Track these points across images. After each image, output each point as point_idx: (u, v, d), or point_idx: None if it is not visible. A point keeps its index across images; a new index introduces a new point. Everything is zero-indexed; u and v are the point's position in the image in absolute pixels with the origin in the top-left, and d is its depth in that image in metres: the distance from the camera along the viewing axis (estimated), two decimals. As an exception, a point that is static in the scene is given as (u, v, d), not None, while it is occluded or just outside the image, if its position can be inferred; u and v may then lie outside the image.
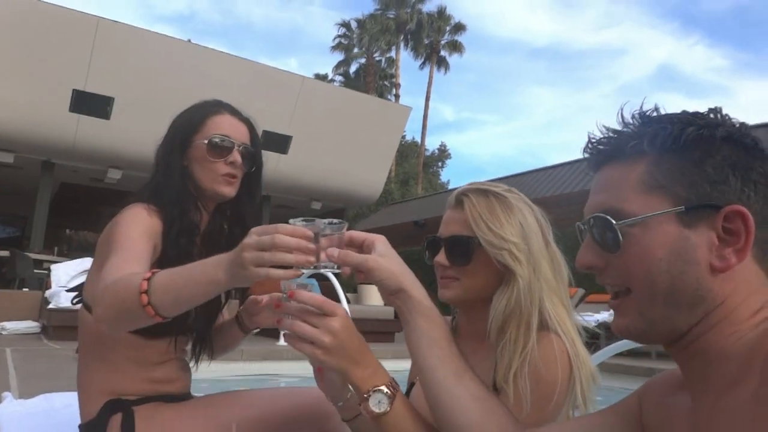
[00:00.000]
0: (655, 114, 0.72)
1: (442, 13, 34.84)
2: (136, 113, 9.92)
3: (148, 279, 1.01)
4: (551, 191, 14.37)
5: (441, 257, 1.13)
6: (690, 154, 0.67)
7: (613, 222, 0.68)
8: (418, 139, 37.44)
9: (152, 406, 1.35)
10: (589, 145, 0.75)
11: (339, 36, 35.78)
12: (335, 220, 1.00)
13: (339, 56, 36.39)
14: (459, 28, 34.97)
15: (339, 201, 13.77)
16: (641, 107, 0.72)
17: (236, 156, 1.42)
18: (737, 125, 0.69)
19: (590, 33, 68.25)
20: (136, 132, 9.14)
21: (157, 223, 1.33)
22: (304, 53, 78.28)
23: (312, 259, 0.93)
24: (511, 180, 15.93)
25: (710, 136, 0.67)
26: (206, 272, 0.98)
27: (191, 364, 1.53)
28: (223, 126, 1.43)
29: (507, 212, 1.11)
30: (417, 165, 36.19)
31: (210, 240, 1.46)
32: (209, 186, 1.41)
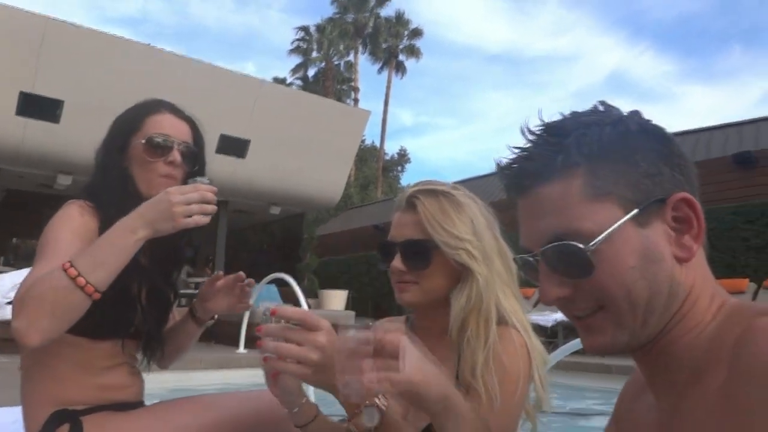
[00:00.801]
0: (556, 122, 0.68)
1: (400, 18, 35.04)
2: (88, 117, 9.60)
3: (72, 265, 1.08)
4: (506, 195, 14.57)
5: (398, 263, 1.12)
6: (619, 154, 0.65)
7: (582, 247, 0.62)
8: (377, 144, 37.53)
9: (102, 415, 1.29)
10: (507, 171, 0.70)
11: (297, 39, 35.56)
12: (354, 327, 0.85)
13: (297, 60, 36.15)
14: (417, 33, 35.25)
15: (298, 206, 13.66)
16: (542, 121, 0.69)
17: (176, 155, 1.39)
18: (637, 114, 0.68)
19: (544, 40, 69.91)
20: (88, 136, 8.71)
21: (91, 222, 1.30)
22: (261, 57, 77.50)
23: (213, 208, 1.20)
24: (468, 183, 16.07)
25: (627, 131, 0.66)
26: (125, 237, 1.14)
27: (144, 371, 1.48)
28: (163, 125, 1.41)
29: (457, 210, 1.12)
30: (377, 169, 36.23)
31: (154, 242, 1.42)
32: (148, 186, 1.38)
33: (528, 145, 0.69)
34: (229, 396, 1.46)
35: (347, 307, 10.08)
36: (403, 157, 42.83)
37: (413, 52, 35.15)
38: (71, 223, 1.27)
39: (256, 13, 73.40)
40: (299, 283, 5.51)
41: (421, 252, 1.11)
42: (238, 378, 5.48)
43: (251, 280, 1.51)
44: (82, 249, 1.19)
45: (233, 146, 11.12)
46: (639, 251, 0.63)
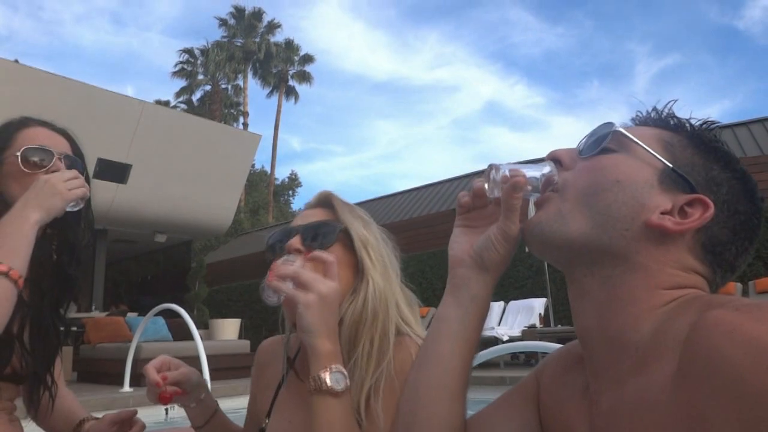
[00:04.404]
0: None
1: (290, 44, 35.05)
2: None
3: None
4: (395, 217, 14.98)
5: (296, 241, 1.03)
6: (694, 140, 0.70)
7: (616, 124, 0.71)
8: (267, 169, 37.00)
9: None
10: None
11: (181, 62, 34.37)
12: None
13: (181, 83, 34.93)
14: (307, 59, 35.40)
15: (186, 233, 13.05)
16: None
17: (58, 164, 1.27)
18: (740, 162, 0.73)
19: (426, 71, 73.19)
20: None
21: None
22: (141, 80, 73.80)
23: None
24: (361, 206, 16.29)
25: (710, 138, 0.71)
26: (21, 224, 1.10)
27: (24, 420, 1.33)
28: (38, 137, 1.29)
29: (368, 221, 1.10)
30: (267, 194, 35.63)
31: (37, 274, 1.29)
32: None
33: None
34: None
35: (240, 336, 9.72)
36: (294, 182, 42.52)
37: (305, 77, 35.21)
38: None
39: (135, 36, 70.11)
40: (189, 314, 5.24)
41: (326, 233, 1.04)
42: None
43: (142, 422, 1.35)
44: None
45: (112, 171, 10.43)
46: (634, 183, 0.67)
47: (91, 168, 1.42)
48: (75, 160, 1.33)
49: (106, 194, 10.21)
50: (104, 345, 7.61)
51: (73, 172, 1.22)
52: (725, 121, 14.78)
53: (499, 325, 8.66)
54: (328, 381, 0.87)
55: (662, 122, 0.74)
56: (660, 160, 0.68)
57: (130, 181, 10.92)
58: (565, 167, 0.73)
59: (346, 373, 0.90)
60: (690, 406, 0.51)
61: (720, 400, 0.48)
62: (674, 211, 0.65)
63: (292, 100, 35.76)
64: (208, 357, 4.89)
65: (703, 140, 0.71)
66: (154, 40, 68.23)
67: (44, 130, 1.32)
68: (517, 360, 9.16)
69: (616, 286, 0.66)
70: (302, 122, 77.64)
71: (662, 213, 0.65)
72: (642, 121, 0.76)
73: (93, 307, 11.29)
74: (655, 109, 0.75)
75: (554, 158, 0.74)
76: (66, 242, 1.36)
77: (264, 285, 0.92)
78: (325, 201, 1.11)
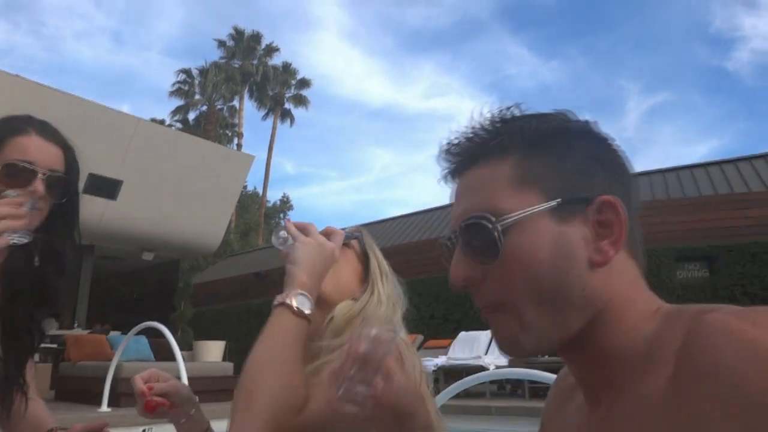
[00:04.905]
0: (503, 111, 0.68)
1: (287, 68, 35.38)
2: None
3: None
4: (386, 243, 14.96)
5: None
6: (556, 148, 0.64)
7: (493, 219, 0.62)
8: (260, 191, 37.01)
9: None
10: (448, 151, 0.70)
11: (179, 82, 34.55)
12: None
13: (177, 102, 35.01)
14: (304, 83, 35.70)
15: (174, 252, 12.96)
16: (498, 109, 0.69)
17: (38, 185, 1.21)
18: (587, 121, 0.69)
19: (421, 100, 74.25)
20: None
21: None
22: (138, 98, 73.87)
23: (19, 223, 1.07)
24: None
25: (568, 128, 0.66)
26: None
27: None
28: (28, 149, 1.23)
29: (386, 266, 1.19)
30: (258, 216, 35.55)
31: (12, 278, 1.25)
32: None
33: (472, 128, 0.69)
34: None
35: (225, 359, 9.58)
36: (285, 204, 42.49)
37: (301, 100, 35.46)
38: None
39: (134, 54, 70.51)
40: (173, 335, 5.17)
41: (348, 233, 1.15)
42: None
43: None
44: None
45: (103, 187, 10.39)
46: (551, 246, 0.61)
47: (80, 183, 1.40)
48: (60, 180, 1.28)
49: (95, 210, 10.14)
50: (84, 363, 7.47)
51: (9, 205, 1.09)
52: (714, 159, 15.02)
53: (486, 354, 8.60)
54: (293, 301, 0.93)
55: (497, 149, 0.66)
56: (543, 206, 0.62)
57: (120, 198, 10.87)
58: (479, 283, 0.65)
59: (312, 300, 0.96)
60: (688, 408, 0.50)
61: (720, 402, 0.47)
62: (595, 233, 0.62)
63: (288, 123, 36.00)
64: (191, 379, 4.81)
65: (544, 138, 0.65)
66: (152, 59, 68.67)
67: (38, 140, 1.27)
68: (503, 390, 9.08)
69: (599, 337, 0.62)
70: (296, 146, 78.12)
71: (592, 245, 0.62)
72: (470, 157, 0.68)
73: (75, 324, 11.11)
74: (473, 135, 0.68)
75: (465, 284, 0.66)
76: (51, 250, 1.33)
77: (280, 223, 1.02)
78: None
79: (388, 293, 1.11)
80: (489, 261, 0.63)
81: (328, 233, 1.08)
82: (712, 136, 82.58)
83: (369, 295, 1.08)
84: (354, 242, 1.15)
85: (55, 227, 1.29)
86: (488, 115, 0.68)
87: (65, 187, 1.30)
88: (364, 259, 1.15)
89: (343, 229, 1.16)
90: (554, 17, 72.34)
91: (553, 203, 0.62)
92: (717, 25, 67.22)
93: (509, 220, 0.62)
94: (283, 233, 1.03)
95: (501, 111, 0.68)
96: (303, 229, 1.03)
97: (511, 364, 7.76)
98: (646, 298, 0.64)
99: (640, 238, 0.67)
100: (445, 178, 0.71)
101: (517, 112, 0.68)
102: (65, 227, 1.34)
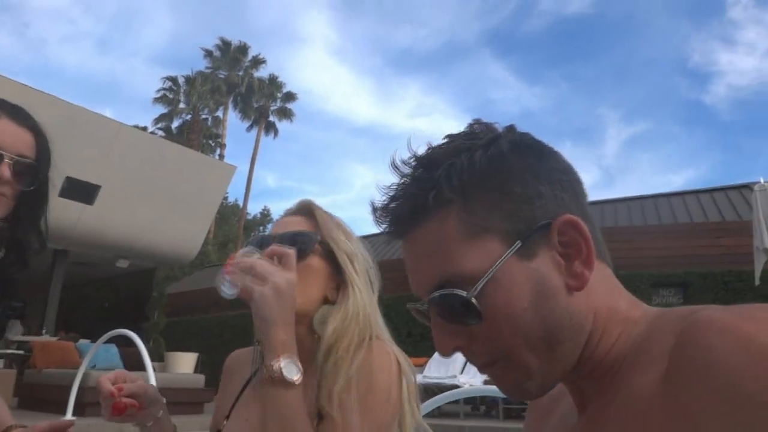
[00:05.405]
0: (425, 153, 0.64)
1: (273, 81, 35.39)
2: None
3: None
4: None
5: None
6: (492, 182, 0.60)
7: (464, 291, 0.58)
8: (240, 202, 36.78)
9: None
10: (381, 214, 0.65)
11: (164, 89, 34.34)
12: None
13: (161, 110, 34.75)
14: (290, 97, 35.72)
15: (150, 260, 12.75)
16: (413, 152, 0.64)
17: (4, 170, 1.17)
18: (511, 131, 0.64)
19: (405, 119, 74.90)
20: None
21: None
22: (121, 105, 73.23)
23: None
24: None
25: (499, 154, 0.61)
26: None
27: None
28: (1, 133, 1.19)
29: (347, 231, 1.12)
30: (238, 228, 35.26)
31: None
32: None
33: (400, 182, 0.64)
34: None
35: (196, 371, 9.42)
36: (266, 218, 42.18)
37: (286, 114, 35.44)
38: None
39: (119, 61, 70.02)
40: (145, 345, 5.06)
41: (303, 241, 1.03)
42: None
43: None
44: None
45: (80, 191, 10.22)
46: (529, 290, 0.58)
47: (57, 186, 1.36)
48: (30, 166, 1.23)
49: (70, 214, 9.97)
50: (51, 371, 7.29)
51: None
52: (691, 188, 15.33)
53: (461, 373, 8.58)
54: (281, 370, 0.88)
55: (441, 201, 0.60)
56: (508, 254, 0.58)
57: (97, 203, 10.70)
58: (467, 346, 0.62)
59: (299, 365, 0.91)
60: (682, 407, 0.49)
61: (714, 400, 0.46)
62: (564, 257, 0.60)
63: (272, 135, 35.91)
64: (161, 390, 4.69)
65: (477, 174, 0.60)
66: (138, 66, 68.26)
67: (8, 124, 1.22)
68: (477, 411, 9.06)
69: (592, 353, 0.61)
70: (279, 159, 77.91)
71: (565, 271, 0.59)
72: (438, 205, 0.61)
73: (44, 331, 10.85)
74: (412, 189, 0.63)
75: (454, 353, 0.63)
76: (14, 240, 1.28)
77: (220, 275, 0.92)
78: (306, 210, 1.11)
79: (363, 282, 1.05)
80: (472, 324, 0.60)
81: (276, 254, 0.95)
82: (689, 166, 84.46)
83: (351, 295, 1.04)
84: (317, 246, 1.05)
85: (21, 216, 1.23)
86: (411, 161, 0.64)
87: (34, 175, 1.24)
88: (327, 256, 1.05)
89: (295, 235, 1.04)
90: (539, 43, 73.77)
91: (516, 245, 0.58)
92: (696, 60, 69.27)
93: (480, 284, 0.58)
94: (226, 287, 0.91)
95: (424, 152, 0.64)
96: (253, 271, 0.91)
97: (486, 383, 7.75)
98: (627, 301, 0.63)
99: (600, 237, 0.64)
100: (388, 237, 0.66)
101: (440, 153, 0.62)
102: (31, 216, 1.28)
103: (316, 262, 1.04)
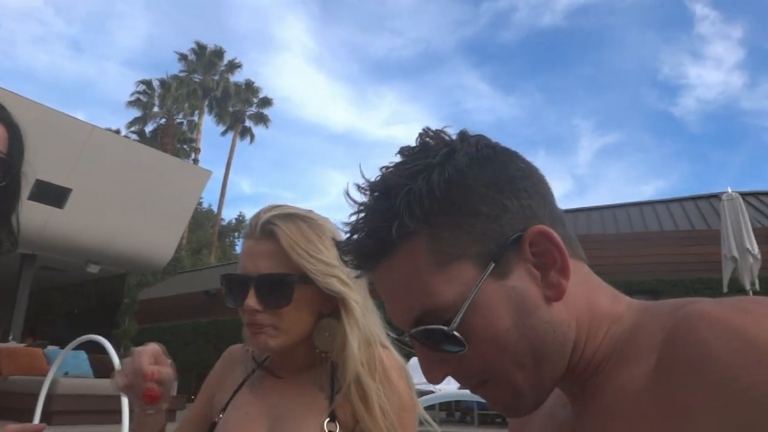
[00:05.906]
0: (381, 180, 0.61)
1: (249, 86, 35.19)
2: None
3: None
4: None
5: (252, 301, 0.98)
6: (454, 204, 0.58)
7: (445, 325, 0.57)
8: (215, 208, 36.40)
9: None
10: (346, 250, 0.63)
11: (138, 92, 33.84)
12: None
13: (135, 113, 34.25)
14: (266, 102, 35.56)
15: (121, 265, 12.51)
16: (366, 180, 0.62)
17: None
18: (466, 141, 0.61)
19: (381, 127, 75.29)
20: None
21: None
22: (93, 108, 72.11)
23: None
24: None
25: (457, 171, 0.58)
26: None
27: None
28: None
29: (319, 234, 1.03)
30: (212, 234, 34.88)
31: None
32: None
33: (359, 215, 0.61)
34: None
35: (167, 379, 9.27)
36: (240, 224, 41.82)
37: (262, 119, 35.25)
38: None
39: (93, 64, 68.96)
40: (115, 352, 4.96)
41: (281, 287, 0.99)
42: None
43: None
44: None
45: (50, 194, 9.99)
46: (508, 310, 0.57)
47: (26, 189, 1.32)
48: (2, 162, 1.15)
49: (38, 217, 9.74)
50: (17, 378, 7.09)
51: None
52: (661, 198, 15.66)
53: (436, 381, 8.59)
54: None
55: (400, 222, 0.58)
56: (483, 277, 0.57)
57: (67, 206, 10.47)
58: (456, 371, 0.61)
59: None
60: (673, 402, 0.48)
61: (708, 395, 0.46)
62: (538, 268, 0.58)
63: (247, 140, 35.69)
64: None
65: (439, 198, 0.58)
66: (111, 69, 67.24)
67: None
68: (452, 417, 9.07)
69: (579, 356, 0.61)
70: (254, 165, 77.58)
71: (542, 282, 0.58)
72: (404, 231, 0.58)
73: (10, 337, 10.56)
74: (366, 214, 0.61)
75: (445, 377, 0.62)
76: None
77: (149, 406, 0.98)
78: (269, 232, 1.02)
79: (351, 286, 1.02)
80: (457, 352, 0.58)
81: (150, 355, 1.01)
82: (660, 176, 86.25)
83: (350, 310, 1.02)
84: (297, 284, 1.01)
85: None
86: (366, 191, 0.61)
87: (5, 169, 1.18)
88: (308, 281, 1.00)
89: (272, 284, 1.01)
90: (514, 54, 74.77)
91: (490, 267, 0.56)
92: (665, 72, 70.90)
93: (460, 314, 0.56)
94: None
95: (379, 178, 0.61)
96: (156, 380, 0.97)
97: (461, 388, 7.76)
98: (609, 296, 0.62)
99: (572, 234, 0.63)
100: (358, 271, 0.64)
101: (395, 179, 0.60)
102: (2, 213, 1.22)
103: (299, 294, 1.00)
